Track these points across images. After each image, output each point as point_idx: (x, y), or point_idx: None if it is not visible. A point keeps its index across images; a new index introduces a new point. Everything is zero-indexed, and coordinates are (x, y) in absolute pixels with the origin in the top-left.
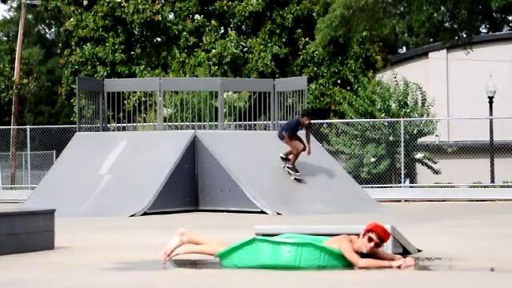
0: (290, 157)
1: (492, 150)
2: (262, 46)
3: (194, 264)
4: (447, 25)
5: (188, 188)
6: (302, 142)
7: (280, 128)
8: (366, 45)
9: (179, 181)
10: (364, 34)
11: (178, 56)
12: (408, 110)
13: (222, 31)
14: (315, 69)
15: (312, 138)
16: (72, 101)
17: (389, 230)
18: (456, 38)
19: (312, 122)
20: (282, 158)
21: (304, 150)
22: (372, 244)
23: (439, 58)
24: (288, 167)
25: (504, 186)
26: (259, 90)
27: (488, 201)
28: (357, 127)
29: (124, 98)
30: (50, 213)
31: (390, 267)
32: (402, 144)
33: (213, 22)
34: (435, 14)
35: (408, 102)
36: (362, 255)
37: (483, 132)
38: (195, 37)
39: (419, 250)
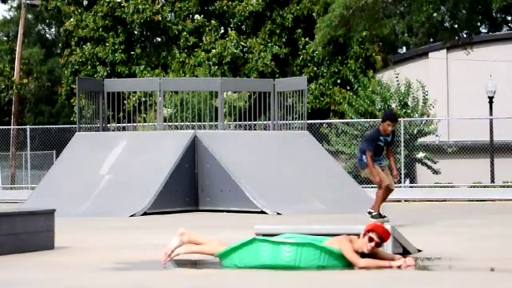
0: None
1: (492, 149)
2: (262, 46)
3: (194, 264)
4: (447, 25)
5: (188, 188)
6: (387, 173)
7: (359, 153)
8: (366, 45)
9: (179, 181)
10: (364, 33)
11: (178, 56)
12: (409, 111)
13: (222, 31)
14: (315, 69)
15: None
16: (72, 101)
17: (389, 229)
18: (456, 38)
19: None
20: (370, 213)
21: (391, 188)
22: (373, 244)
23: (439, 58)
24: (372, 215)
25: (504, 186)
26: (259, 90)
27: (488, 201)
28: (357, 127)
29: (124, 97)
30: (50, 213)
31: (390, 267)
32: (402, 144)
33: (213, 22)
34: (435, 14)
35: (409, 102)
36: (362, 255)
37: (483, 132)
38: (195, 37)
39: (419, 250)
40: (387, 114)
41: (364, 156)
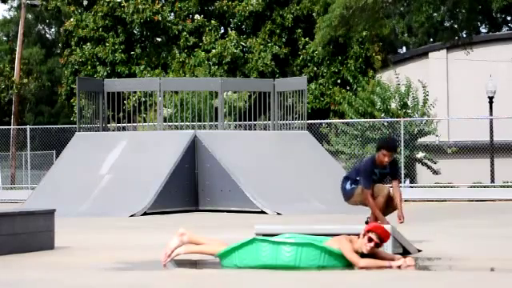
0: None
1: (492, 149)
2: (261, 46)
3: (194, 264)
4: (447, 25)
5: (188, 188)
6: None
7: (343, 182)
8: (366, 45)
9: (179, 181)
10: (364, 33)
11: (178, 56)
12: (409, 111)
13: (222, 31)
14: (315, 69)
15: (398, 193)
16: (72, 101)
17: (389, 230)
18: (456, 37)
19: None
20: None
21: (393, 206)
22: (372, 244)
23: (439, 58)
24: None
25: (504, 186)
26: (259, 89)
27: (488, 201)
28: (357, 127)
29: (124, 98)
30: (50, 213)
31: (390, 267)
32: (402, 144)
33: (213, 21)
34: (435, 14)
35: (409, 102)
36: (362, 255)
37: (483, 132)
38: (195, 37)
39: (419, 250)
40: (382, 142)
41: (349, 183)
